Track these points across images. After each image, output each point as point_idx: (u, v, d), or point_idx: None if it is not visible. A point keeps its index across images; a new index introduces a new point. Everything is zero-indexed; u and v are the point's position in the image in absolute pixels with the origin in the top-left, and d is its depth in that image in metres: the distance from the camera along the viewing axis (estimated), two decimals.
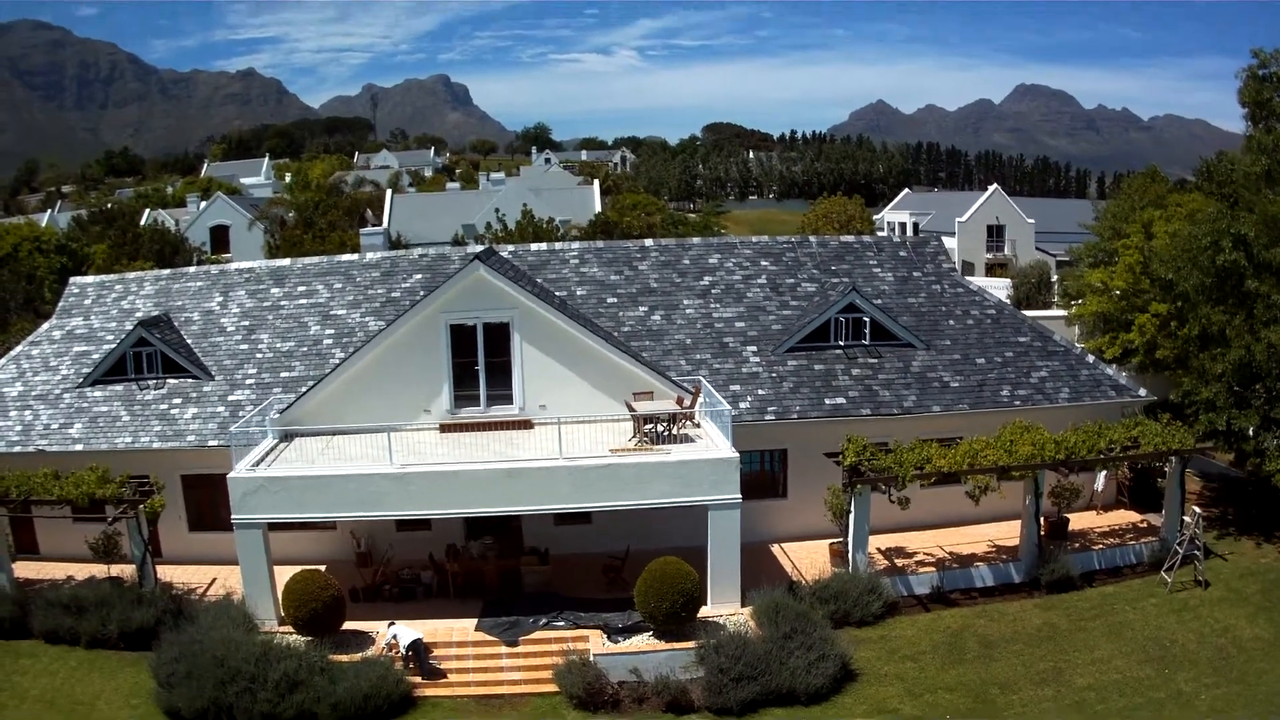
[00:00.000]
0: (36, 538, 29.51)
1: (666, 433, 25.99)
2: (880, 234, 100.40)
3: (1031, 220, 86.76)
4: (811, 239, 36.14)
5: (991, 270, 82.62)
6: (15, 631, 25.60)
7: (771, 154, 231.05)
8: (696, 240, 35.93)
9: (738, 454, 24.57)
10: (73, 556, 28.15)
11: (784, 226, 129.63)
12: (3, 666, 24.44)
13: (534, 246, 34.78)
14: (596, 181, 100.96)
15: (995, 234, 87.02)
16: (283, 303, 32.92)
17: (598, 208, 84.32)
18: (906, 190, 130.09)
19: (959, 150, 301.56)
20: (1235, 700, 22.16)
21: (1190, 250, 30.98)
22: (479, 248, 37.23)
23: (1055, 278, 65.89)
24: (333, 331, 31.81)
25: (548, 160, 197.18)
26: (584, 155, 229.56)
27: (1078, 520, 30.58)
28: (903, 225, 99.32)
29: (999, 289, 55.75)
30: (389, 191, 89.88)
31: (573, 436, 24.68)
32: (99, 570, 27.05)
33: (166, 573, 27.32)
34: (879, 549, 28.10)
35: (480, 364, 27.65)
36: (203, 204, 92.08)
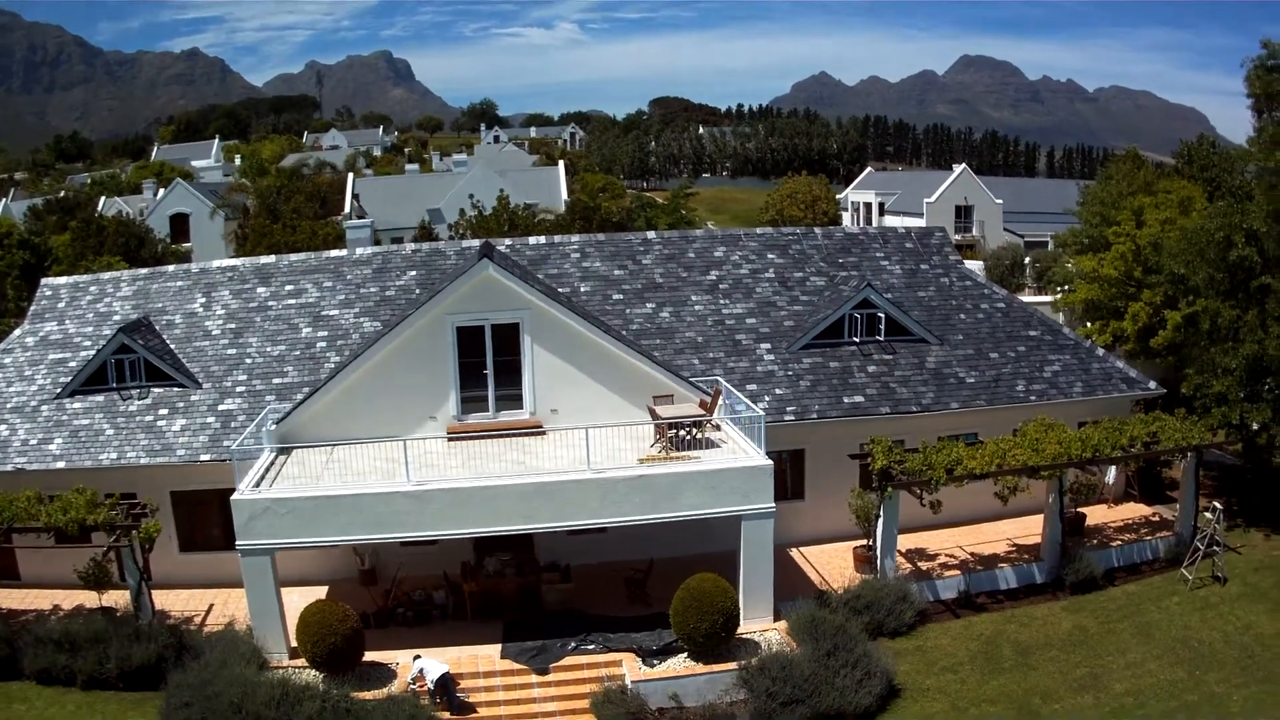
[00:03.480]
0: (17, 563, 27.34)
1: (690, 438, 24.69)
2: (844, 214, 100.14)
3: (1000, 200, 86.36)
4: (816, 230, 35.15)
5: (960, 252, 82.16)
6: (5, 671, 23.41)
7: (725, 130, 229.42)
8: (699, 232, 34.84)
9: (771, 461, 23.48)
10: (58, 583, 26.01)
11: (743, 205, 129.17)
12: None
13: (532, 240, 33.21)
14: (562, 163, 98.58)
15: (963, 214, 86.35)
16: (270, 303, 31.08)
17: (564, 191, 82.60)
18: (869, 169, 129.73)
19: (907, 124, 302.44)
20: (1265, 700, 22.10)
21: (1198, 244, 30.56)
22: (471, 242, 35.66)
23: (1027, 260, 65.86)
24: (326, 333, 30.08)
25: (498, 138, 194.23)
26: (532, 132, 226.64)
27: (1091, 515, 30.30)
28: (867, 205, 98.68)
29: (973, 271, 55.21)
30: (350, 176, 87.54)
31: (590, 444, 23.26)
32: (88, 598, 25.08)
33: (159, 598, 25.53)
34: (900, 551, 27.24)
35: (489, 367, 26.10)
36: (160, 191, 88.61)
